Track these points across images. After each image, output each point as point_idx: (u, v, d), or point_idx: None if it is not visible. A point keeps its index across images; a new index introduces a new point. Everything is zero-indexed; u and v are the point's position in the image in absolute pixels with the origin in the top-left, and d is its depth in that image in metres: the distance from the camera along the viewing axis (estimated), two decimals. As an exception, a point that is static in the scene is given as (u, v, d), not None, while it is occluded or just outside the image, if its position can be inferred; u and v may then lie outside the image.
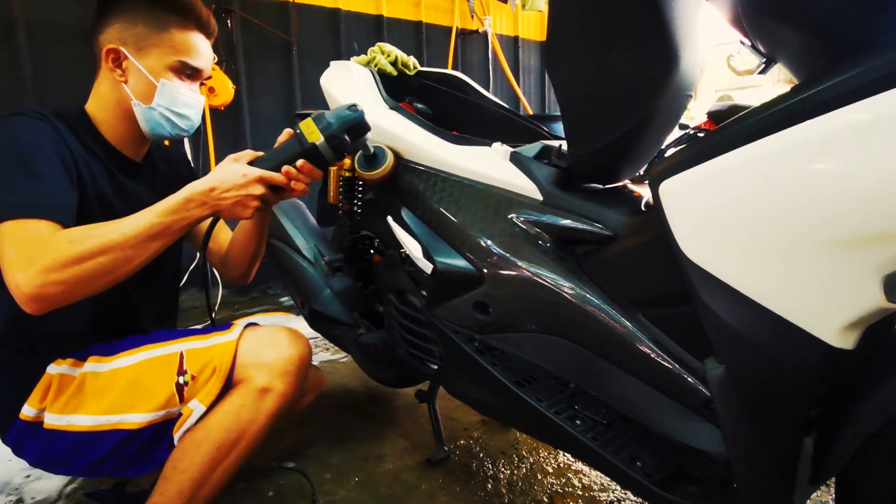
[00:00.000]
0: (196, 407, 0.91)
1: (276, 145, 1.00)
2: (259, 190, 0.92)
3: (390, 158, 1.10)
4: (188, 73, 1.01)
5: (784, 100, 0.58)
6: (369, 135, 1.03)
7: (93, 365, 0.94)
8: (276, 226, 1.46)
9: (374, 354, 1.30)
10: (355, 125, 0.99)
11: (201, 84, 1.07)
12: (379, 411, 1.62)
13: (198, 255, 2.69)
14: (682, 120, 0.94)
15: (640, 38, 0.76)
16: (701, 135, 0.91)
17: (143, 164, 1.09)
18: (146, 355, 0.95)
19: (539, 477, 1.28)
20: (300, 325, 1.76)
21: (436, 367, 1.15)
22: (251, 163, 0.95)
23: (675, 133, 0.97)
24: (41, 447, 0.93)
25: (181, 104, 1.01)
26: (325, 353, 2.07)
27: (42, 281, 0.76)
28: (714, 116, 1.21)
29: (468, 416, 1.55)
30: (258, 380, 0.93)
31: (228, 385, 0.94)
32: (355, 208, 1.43)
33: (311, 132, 0.96)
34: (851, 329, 0.57)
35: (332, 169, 1.49)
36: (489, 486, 1.25)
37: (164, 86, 0.98)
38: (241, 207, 0.92)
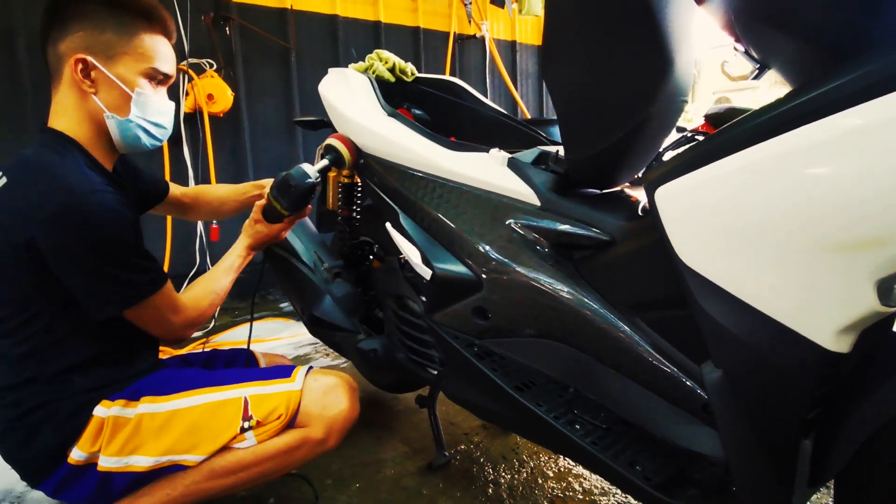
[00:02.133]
0: (250, 438, 0.95)
1: (258, 206, 1.18)
2: (279, 237, 1.21)
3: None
4: (160, 79, 0.99)
5: (778, 105, 0.58)
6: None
7: (148, 406, 0.94)
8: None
9: (374, 360, 1.30)
10: (301, 192, 1.13)
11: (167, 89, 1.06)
12: (379, 417, 1.62)
13: (197, 261, 2.70)
14: (680, 123, 0.95)
15: (635, 43, 0.76)
16: (698, 138, 0.91)
17: (120, 174, 1.09)
18: (208, 398, 0.96)
19: (540, 481, 1.28)
20: (300, 330, 1.75)
21: (435, 372, 1.15)
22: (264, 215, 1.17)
23: (673, 136, 0.98)
24: (92, 488, 0.92)
25: (157, 113, 0.99)
26: (325, 359, 2.07)
27: (189, 332, 1.04)
28: (711, 119, 1.21)
29: (468, 421, 1.55)
30: (318, 432, 0.99)
31: (288, 427, 0.98)
32: (354, 214, 1.43)
33: (278, 204, 1.15)
34: (847, 332, 0.58)
35: (331, 175, 1.50)
36: (490, 490, 1.25)
37: (140, 95, 0.95)
38: (272, 241, 1.21)
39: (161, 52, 0.97)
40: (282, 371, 1.04)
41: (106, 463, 0.91)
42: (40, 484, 0.93)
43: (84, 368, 0.93)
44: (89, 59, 0.91)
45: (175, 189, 1.32)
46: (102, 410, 0.92)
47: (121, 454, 0.91)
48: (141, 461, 0.91)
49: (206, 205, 1.37)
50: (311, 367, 1.07)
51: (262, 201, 1.16)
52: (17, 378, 0.90)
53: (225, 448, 0.94)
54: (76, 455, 0.90)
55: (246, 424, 0.94)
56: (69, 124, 0.94)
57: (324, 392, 1.01)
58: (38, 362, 0.91)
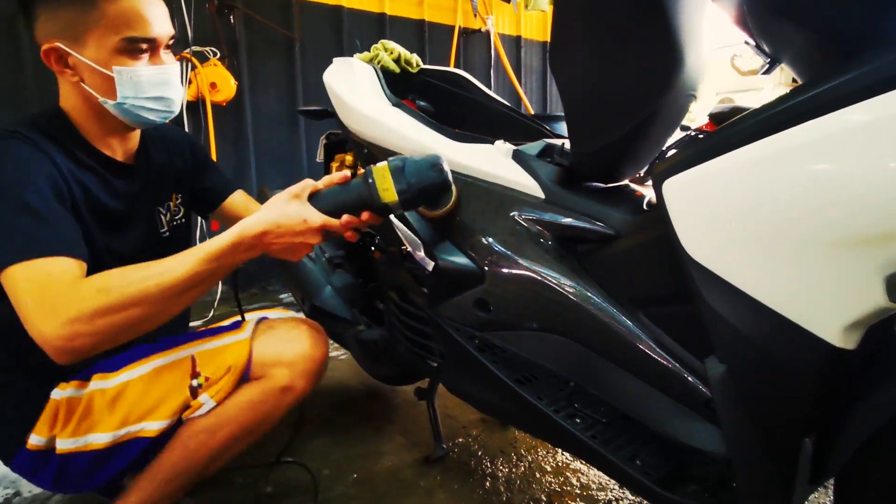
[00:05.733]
0: (206, 401, 0.88)
1: (331, 180, 0.87)
2: (316, 239, 0.83)
3: (454, 195, 1.00)
4: (143, 48, 0.84)
5: (787, 99, 0.58)
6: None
7: (98, 382, 0.89)
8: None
9: (374, 351, 1.30)
10: (437, 189, 0.86)
11: (168, 47, 0.90)
12: (378, 409, 1.62)
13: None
14: (684, 122, 0.94)
15: (645, 37, 0.76)
16: (704, 134, 0.91)
17: (136, 159, 0.99)
18: (155, 364, 0.90)
19: (537, 475, 1.28)
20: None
21: (435, 364, 1.15)
22: (312, 200, 0.85)
23: (677, 134, 0.98)
24: (57, 472, 0.88)
25: (151, 86, 0.85)
26: (324, 351, 2.07)
27: (69, 333, 0.69)
28: (715, 118, 1.21)
29: (467, 414, 1.55)
30: (280, 378, 0.91)
31: (244, 381, 0.91)
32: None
33: (386, 189, 0.83)
34: (853, 329, 0.57)
35: (334, 165, 1.49)
36: (487, 484, 1.25)
37: (121, 74, 0.83)
38: (290, 253, 0.84)
39: (133, 13, 0.82)
40: (233, 325, 0.96)
41: (63, 445, 0.86)
42: (9, 464, 0.90)
43: (36, 350, 0.78)
44: (59, 45, 0.81)
45: (241, 201, 1.15)
46: (58, 393, 0.88)
47: (76, 434, 0.86)
48: (98, 438, 0.86)
49: None
50: (263, 318, 0.97)
51: (338, 176, 0.87)
52: None
53: (187, 420, 0.89)
54: (34, 440, 0.86)
55: (195, 382, 0.88)
56: (68, 105, 0.89)
57: (278, 337, 0.93)
58: None
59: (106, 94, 0.84)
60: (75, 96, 0.87)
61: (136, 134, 0.97)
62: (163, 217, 1.05)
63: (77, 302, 0.70)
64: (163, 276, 0.74)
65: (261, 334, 0.93)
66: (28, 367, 0.88)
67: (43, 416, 0.87)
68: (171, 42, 0.89)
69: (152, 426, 0.87)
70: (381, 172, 0.83)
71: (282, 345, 0.93)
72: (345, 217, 0.84)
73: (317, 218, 0.82)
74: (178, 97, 0.91)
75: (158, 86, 0.87)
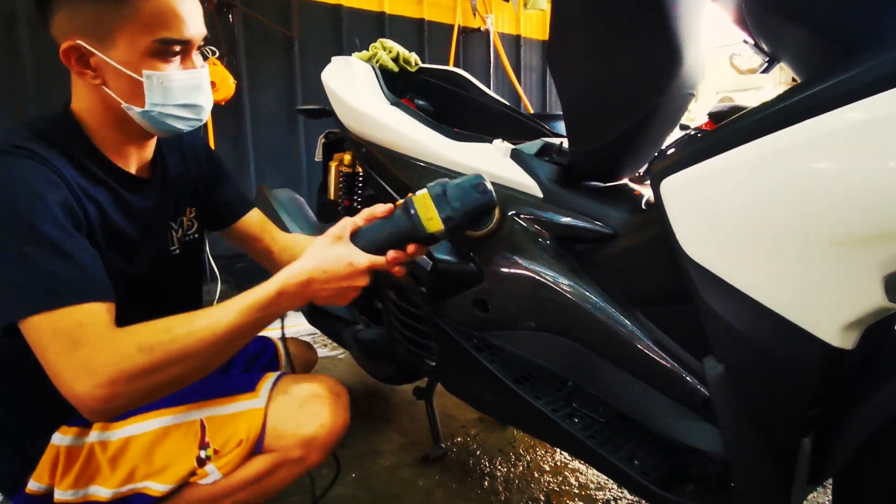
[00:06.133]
0: (213, 472, 0.81)
1: (372, 214, 0.83)
2: (363, 281, 0.77)
3: (497, 215, 0.95)
4: (176, 50, 0.76)
5: (786, 98, 0.58)
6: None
7: (100, 433, 0.81)
8: (275, 221, 1.46)
9: (373, 351, 1.30)
10: (483, 210, 0.82)
11: (199, 48, 0.83)
12: (376, 408, 1.62)
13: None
14: (683, 121, 0.94)
15: (644, 36, 0.76)
16: (702, 134, 0.91)
17: (151, 170, 0.89)
18: (162, 422, 0.82)
19: (536, 475, 1.28)
20: (299, 320, 1.75)
21: (434, 364, 1.15)
22: (354, 239, 0.80)
23: (676, 133, 0.97)
24: None
25: (182, 93, 0.78)
26: (324, 350, 2.07)
27: (107, 394, 0.63)
28: (715, 117, 1.21)
29: (466, 413, 1.55)
30: (293, 452, 0.82)
31: (256, 452, 0.83)
32: (355, 204, 1.43)
33: (431, 218, 0.78)
34: (852, 329, 0.57)
35: (332, 164, 1.49)
36: (486, 483, 1.25)
37: (151, 79, 0.75)
38: (338, 298, 0.78)
39: (170, 12, 0.73)
40: (246, 383, 0.86)
41: (62, 496, 0.79)
42: (8, 500, 0.83)
43: (37, 386, 0.71)
44: (81, 43, 0.71)
45: (257, 221, 1.06)
46: (58, 438, 0.80)
47: (76, 486, 0.79)
48: (99, 492, 0.79)
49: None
50: (282, 375, 0.89)
51: (380, 210, 0.82)
52: None
53: (191, 483, 0.82)
54: (33, 486, 0.79)
55: (203, 454, 0.80)
56: (82, 108, 0.79)
57: (297, 406, 0.83)
58: None
59: (131, 99, 0.76)
60: (93, 100, 0.77)
61: (153, 142, 0.88)
62: (174, 234, 0.93)
63: (117, 362, 0.64)
64: (206, 331, 0.69)
65: (276, 399, 0.84)
66: (31, 408, 0.81)
67: (43, 460, 0.80)
68: (202, 45, 0.83)
69: (156, 487, 0.81)
70: (423, 201, 0.79)
71: (299, 416, 0.83)
72: (391, 253, 0.79)
73: (363, 259, 0.77)
74: (209, 104, 0.83)
75: (190, 92, 0.79)
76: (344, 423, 0.86)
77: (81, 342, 0.63)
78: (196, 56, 0.81)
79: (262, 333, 1.05)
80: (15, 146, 0.69)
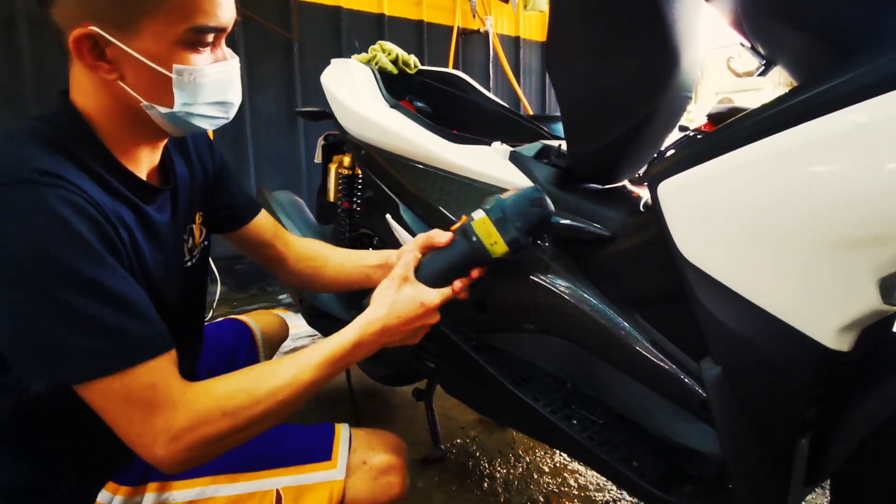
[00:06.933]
0: None
1: (430, 241, 0.81)
2: (435, 318, 0.76)
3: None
4: (209, 39, 0.65)
5: (783, 101, 0.58)
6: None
7: (161, 494, 0.74)
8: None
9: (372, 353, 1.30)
10: (544, 224, 0.80)
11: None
12: (376, 409, 1.62)
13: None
14: (682, 122, 0.94)
15: (641, 39, 0.76)
16: (700, 137, 0.91)
17: (159, 175, 0.79)
18: (232, 490, 0.75)
19: (535, 476, 1.28)
20: (298, 321, 1.75)
21: (433, 365, 1.15)
22: (417, 274, 0.78)
23: (675, 135, 0.98)
24: None
25: (214, 89, 0.68)
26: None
27: (190, 457, 0.61)
28: (714, 119, 1.21)
29: (465, 414, 1.55)
30: None
31: None
32: (354, 206, 1.43)
33: (494, 242, 0.76)
34: (848, 331, 0.57)
35: (332, 166, 1.49)
36: (485, 485, 1.25)
37: (182, 75, 0.64)
38: (411, 338, 0.77)
39: None
40: (319, 447, 0.81)
41: None
42: None
43: (75, 437, 0.67)
44: (97, 31, 0.60)
45: (268, 225, 0.98)
46: (106, 496, 0.73)
47: None
48: None
49: (311, 267, 1.00)
50: (350, 436, 0.83)
51: (439, 239, 0.81)
52: None
53: None
54: None
55: None
56: (89, 105, 0.66)
57: (373, 478, 0.80)
58: (13, 429, 0.67)
59: (155, 97, 0.65)
60: (104, 97, 0.66)
61: (164, 142, 0.77)
62: (186, 245, 0.85)
63: (199, 427, 0.60)
64: (287, 392, 0.66)
65: (356, 473, 0.80)
66: (61, 462, 0.71)
67: None
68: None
69: None
70: (483, 226, 0.77)
71: (374, 488, 0.80)
72: (457, 283, 0.78)
73: (434, 297, 0.75)
74: (238, 100, 0.74)
75: (222, 87, 0.69)
76: (406, 486, 0.83)
77: (157, 405, 0.59)
78: (224, 46, 0.70)
79: (233, 316, 1.05)
80: (41, 172, 0.57)
